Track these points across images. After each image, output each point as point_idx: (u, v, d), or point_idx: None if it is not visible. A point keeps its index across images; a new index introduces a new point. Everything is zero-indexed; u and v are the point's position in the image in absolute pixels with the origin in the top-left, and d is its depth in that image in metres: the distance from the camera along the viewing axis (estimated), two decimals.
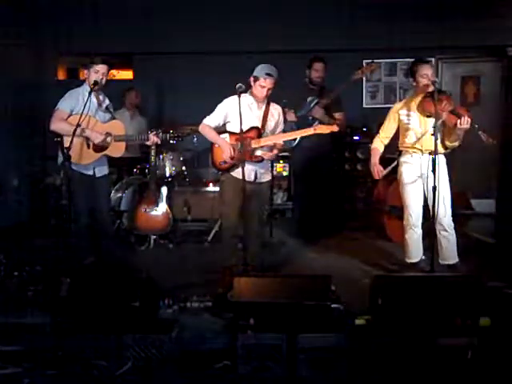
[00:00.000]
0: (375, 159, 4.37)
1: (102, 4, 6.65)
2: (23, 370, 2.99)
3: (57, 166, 4.43)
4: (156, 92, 6.91)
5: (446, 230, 4.17)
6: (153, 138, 4.50)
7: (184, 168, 5.90)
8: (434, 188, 3.75)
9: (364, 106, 7.06)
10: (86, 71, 4.29)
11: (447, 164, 4.21)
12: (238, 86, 3.75)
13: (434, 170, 3.75)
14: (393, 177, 6.03)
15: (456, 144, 4.12)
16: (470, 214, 5.51)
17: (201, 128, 4.10)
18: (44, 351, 3.08)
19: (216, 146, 4.08)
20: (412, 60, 4.39)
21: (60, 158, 4.26)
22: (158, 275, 3.73)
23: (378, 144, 4.41)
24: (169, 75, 6.82)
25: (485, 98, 6.82)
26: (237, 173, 3.99)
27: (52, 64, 7.09)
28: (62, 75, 7.36)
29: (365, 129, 6.51)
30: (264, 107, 4.06)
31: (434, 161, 3.75)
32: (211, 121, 4.07)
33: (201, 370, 2.99)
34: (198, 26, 6.54)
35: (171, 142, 4.62)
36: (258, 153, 4.01)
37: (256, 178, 4.06)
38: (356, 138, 6.53)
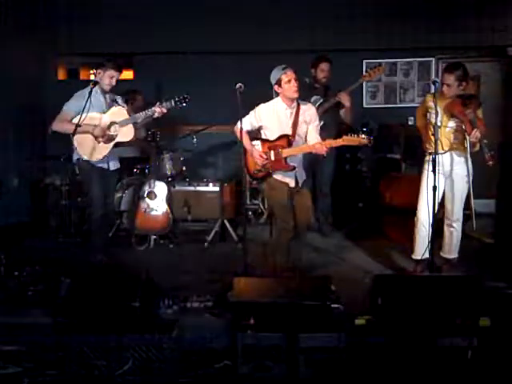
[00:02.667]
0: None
1: (103, 4, 6.66)
2: (23, 369, 2.99)
3: (69, 164, 4.54)
4: (156, 92, 6.90)
5: (453, 226, 4.25)
6: (159, 109, 4.40)
7: (184, 168, 5.90)
8: (434, 188, 3.76)
9: (364, 106, 7.05)
10: (99, 71, 4.39)
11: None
12: (237, 85, 3.75)
13: (433, 170, 3.77)
14: (393, 176, 6.07)
15: (473, 149, 4.13)
16: (470, 213, 5.51)
17: (234, 129, 4.09)
18: (44, 351, 3.08)
19: (249, 153, 4.08)
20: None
21: (76, 156, 4.43)
22: (158, 275, 3.73)
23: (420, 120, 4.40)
24: (169, 75, 6.82)
25: (485, 98, 6.80)
26: (279, 176, 4.02)
27: (52, 64, 7.09)
28: (62, 75, 7.36)
29: (365, 129, 6.50)
30: (295, 113, 4.00)
31: (433, 160, 3.77)
32: (244, 124, 4.04)
33: (201, 370, 2.99)
34: (199, 26, 6.53)
35: (180, 105, 4.45)
36: (290, 161, 3.98)
37: (297, 183, 4.07)
38: None
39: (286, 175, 4.03)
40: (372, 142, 3.70)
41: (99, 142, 4.37)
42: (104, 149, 4.40)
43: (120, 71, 4.49)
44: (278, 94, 4.01)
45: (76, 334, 3.02)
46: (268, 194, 4.23)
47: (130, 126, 4.40)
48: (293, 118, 4.00)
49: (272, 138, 4.01)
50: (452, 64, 4.28)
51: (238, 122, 4.06)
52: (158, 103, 4.44)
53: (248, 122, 4.07)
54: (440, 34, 6.46)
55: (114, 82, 4.42)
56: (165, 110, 4.43)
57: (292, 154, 3.96)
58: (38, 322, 3.31)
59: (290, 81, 3.89)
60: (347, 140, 3.76)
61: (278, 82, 3.92)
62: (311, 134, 4.03)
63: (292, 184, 4.05)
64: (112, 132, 4.37)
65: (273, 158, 3.98)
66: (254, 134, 4.14)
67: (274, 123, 4.00)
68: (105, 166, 4.49)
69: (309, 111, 4.07)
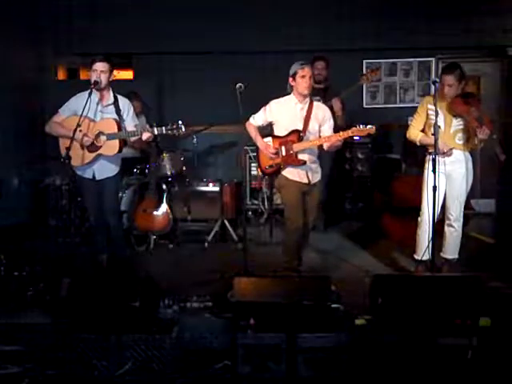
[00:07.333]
0: (427, 140, 4.20)
1: (103, 4, 6.66)
2: (23, 369, 2.99)
3: (58, 167, 4.42)
4: (156, 92, 6.91)
5: (453, 226, 4.24)
6: (148, 134, 4.09)
7: (184, 168, 5.90)
8: (434, 188, 3.76)
9: (364, 106, 7.06)
10: (89, 72, 4.29)
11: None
12: (237, 85, 3.76)
13: (434, 170, 3.76)
14: (392, 177, 6.07)
15: (475, 148, 4.12)
16: (469, 213, 5.51)
17: (246, 125, 4.13)
18: (44, 351, 3.08)
19: (260, 149, 4.12)
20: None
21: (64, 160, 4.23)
22: (158, 275, 3.73)
23: (416, 132, 4.30)
24: (169, 75, 6.82)
25: (485, 98, 6.81)
26: (290, 174, 4.02)
27: (52, 64, 7.10)
28: (62, 75, 7.36)
29: None
30: (307, 108, 4.01)
31: (434, 160, 3.76)
32: (255, 120, 4.11)
33: (201, 370, 2.99)
34: (198, 26, 6.54)
35: (171, 133, 4.05)
36: (301, 156, 3.99)
37: (309, 180, 4.07)
38: (356, 138, 6.51)
39: (296, 172, 4.02)
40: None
41: (83, 149, 4.16)
42: (86, 156, 4.16)
43: (108, 62, 4.15)
44: (291, 89, 4.03)
45: (76, 334, 3.01)
46: (279, 192, 4.26)
47: (116, 140, 4.13)
48: (304, 113, 4.00)
49: (283, 133, 4.01)
50: (450, 64, 4.29)
51: (251, 118, 4.12)
52: (147, 126, 4.16)
53: (260, 118, 4.10)
54: (440, 33, 6.47)
55: (98, 74, 4.08)
56: (152, 135, 4.12)
57: (303, 147, 3.96)
58: (38, 322, 3.31)
59: (304, 76, 3.90)
60: (357, 131, 3.84)
61: (294, 75, 3.95)
62: (326, 133, 4.04)
63: (304, 181, 4.05)
64: (98, 143, 4.13)
65: (284, 153, 3.99)
66: (268, 132, 4.15)
67: (284, 118, 4.01)
68: (89, 176, 4.27)
69: (321, 110, 4.08)
